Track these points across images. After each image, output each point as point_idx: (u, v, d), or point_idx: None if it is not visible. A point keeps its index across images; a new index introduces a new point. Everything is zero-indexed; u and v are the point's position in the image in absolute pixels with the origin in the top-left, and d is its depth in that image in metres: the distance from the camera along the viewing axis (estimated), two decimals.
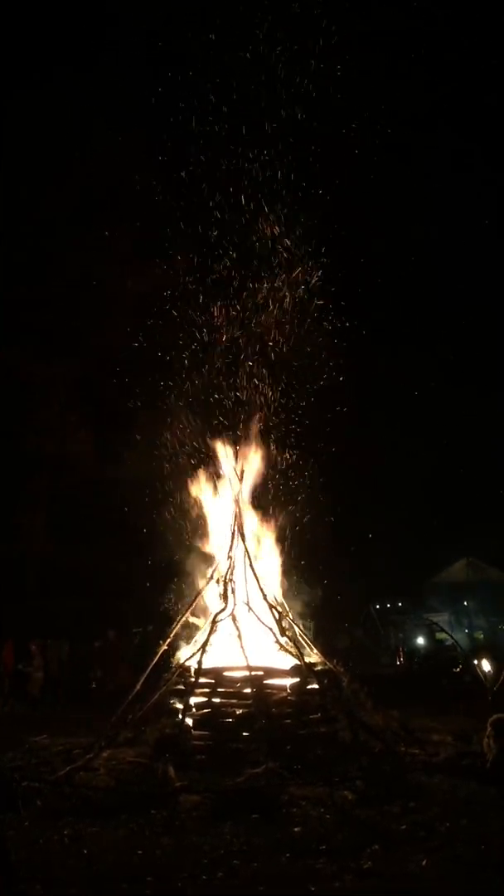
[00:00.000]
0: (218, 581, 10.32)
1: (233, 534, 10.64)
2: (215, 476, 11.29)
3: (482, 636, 21.75)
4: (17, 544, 19.74)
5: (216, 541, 10.96)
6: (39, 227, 18.58)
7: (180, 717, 8.93)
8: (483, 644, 19.75)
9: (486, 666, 12.74)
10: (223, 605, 9.94)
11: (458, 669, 17.56)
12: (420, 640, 22.64)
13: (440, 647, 20.65)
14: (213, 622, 9.74)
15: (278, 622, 9.88)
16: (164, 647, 10.07)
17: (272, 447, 11.70)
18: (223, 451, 11.25)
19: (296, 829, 6.41)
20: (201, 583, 10.59)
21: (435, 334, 25.16)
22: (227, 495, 11.03)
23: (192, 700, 9.08)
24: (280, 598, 10.59)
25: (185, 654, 9.82)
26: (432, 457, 26.64)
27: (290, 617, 10.43)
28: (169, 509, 12.17)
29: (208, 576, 10.55)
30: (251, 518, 10.97)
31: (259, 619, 9.85)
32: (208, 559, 10.89)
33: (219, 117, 12.54)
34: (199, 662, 9.24)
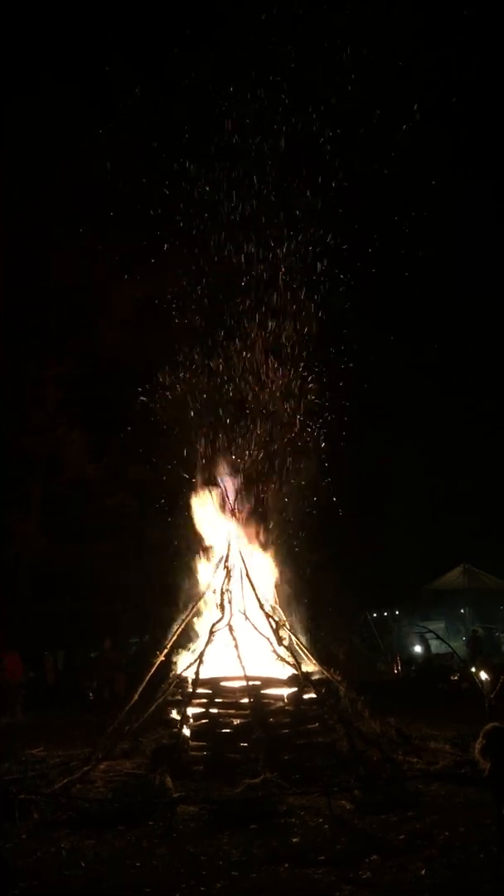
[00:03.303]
0: (214, 591, 10.32)
1: (229, 543, 10.64)
2: (211, 484, 11.30)
3: (481, 643, 21.68)
4: (9, 549, 19.59)
5: (213, 550, 10.96)
6: (33, 228, 18.60)
7: (177, 727, 8.91)
8: (480, 650, 19.73)
9: (483, 674, 12.72)
10: (220, 614, 9.94)
11: (455, 677, 17.56)
12: (417, 648, 22.64)
13: (437, 654, 20.63)
14: (211, 632, 9.72)
15: (275, 632, 9.87)
16: (161, 658, 10.05)
17: (269, 452, 11.73)
18: (219, 459, 11.26)
19: (294, 839, 6.40)
20: (198, 592, 10.58)
21: (432, 340, 25.35)
22: (225, 503, 11.03)
23: (190, 710, 9.05)
24: (276, 608, 10.58)
25: (182, 665, 9.80)
26: (427, 463, 26.76)
27: (287, 626, 10.41)
28: (166, 516, 12.18)
29: (205, 585, 10.54)
30: (247, 527, 10.97)
31: (256, 628, 9.85)
32: (204, 569, 10.88)
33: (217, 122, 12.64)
34: (197, 673, 9.22)
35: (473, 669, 14.98)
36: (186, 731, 8.90)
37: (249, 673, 9.08)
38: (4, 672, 15.03)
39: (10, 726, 13.44)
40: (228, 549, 10.59)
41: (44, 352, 20.20)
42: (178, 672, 9.69)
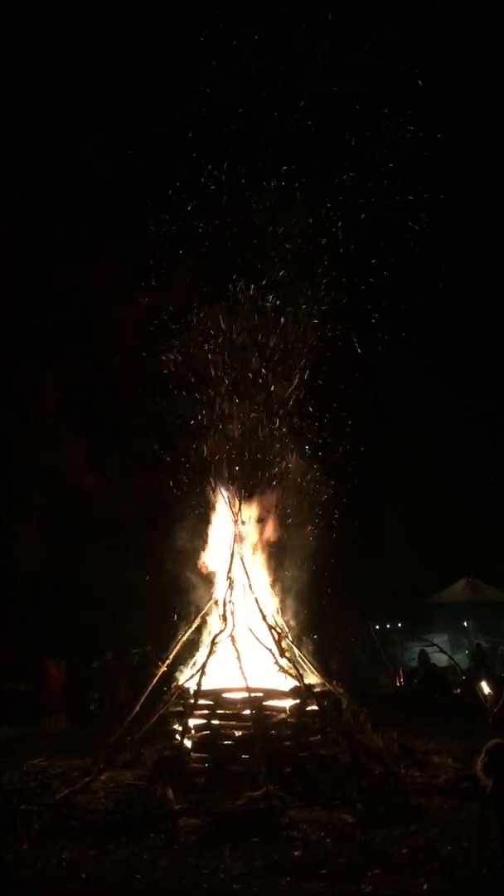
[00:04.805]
0: (217, 602, 10.32)
1: (232, 554, 10.64)
2: (215, 496, 11.30)
3: (485, 656, 21.59)
4: (9, 558, 19.52)
5: (216, 561, 10.95)
6: (33, 228, 18.63)
7: (179, 739, 8.89)
8: (483, 664, 19.65)
9: (485, 688, 12.68)
10: (222, 626, 9.93)
11: (457, 690, 17.47)
12: (418, 661, 22.50)
13: (439, 667, 20.54)
14: (213, 643, 9.71)
15: (277, 643, 9.85)
16: (163, 668, 10.03)
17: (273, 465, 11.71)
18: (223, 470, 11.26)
19: (296, 852, 6.37)
20: (201, 603, 10.58)
21: (436, 347, 25.31)
22: (227, 514, 11.03)
23: (191, 722, 9.04)
24: (279, 619, 10.57)
25: (185, 676, 9.79)
26: (427, 463, 26.68)
27: (290, 638, 10.39)
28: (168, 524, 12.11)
29: (208, 596, 10.54)
30: (250, 539, 10.97)
31: (258, 640, 9.83)
32: (208, 580, 10.88)
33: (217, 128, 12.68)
34: (198, 684, 9.21)
35: (476, 683, 14.93)
36: (188, 743, 8.89)
37: (251, 684, 9.07)
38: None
39: (12, 736, 13.40)
40: (231, 560, 10.59)
41: (43, 352, 20.16)
42: (180, 683, 9.68)
